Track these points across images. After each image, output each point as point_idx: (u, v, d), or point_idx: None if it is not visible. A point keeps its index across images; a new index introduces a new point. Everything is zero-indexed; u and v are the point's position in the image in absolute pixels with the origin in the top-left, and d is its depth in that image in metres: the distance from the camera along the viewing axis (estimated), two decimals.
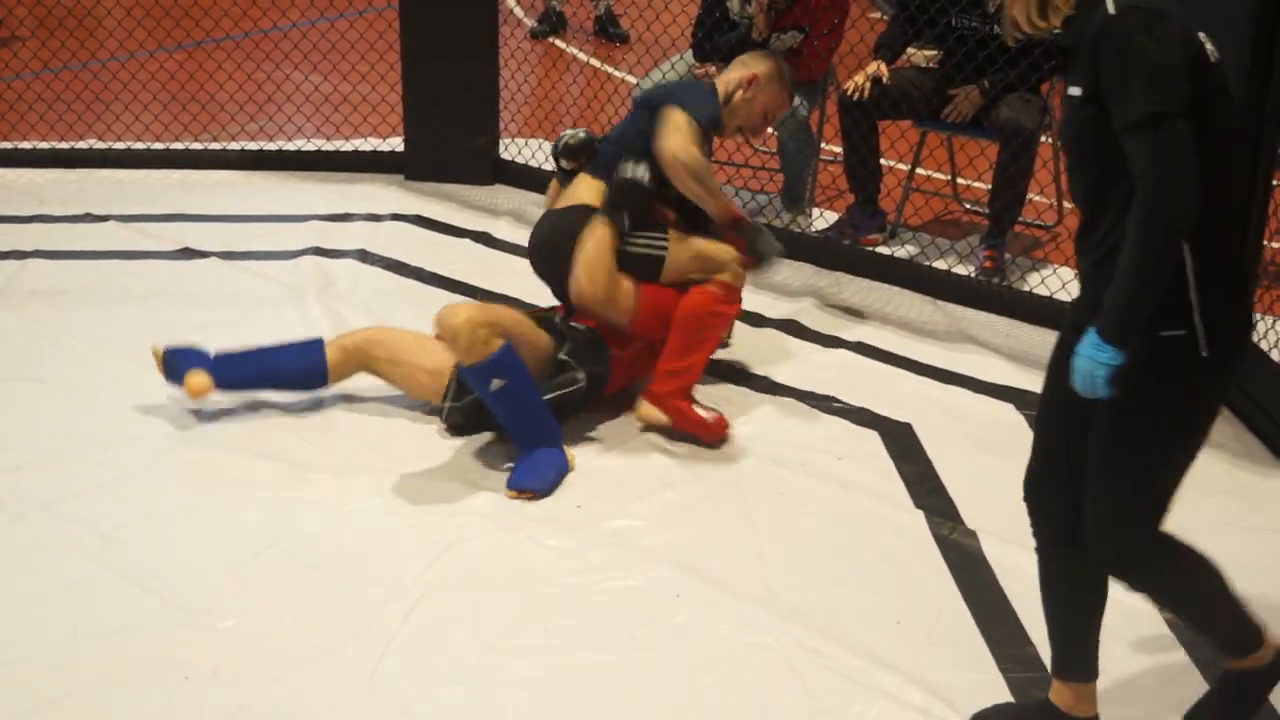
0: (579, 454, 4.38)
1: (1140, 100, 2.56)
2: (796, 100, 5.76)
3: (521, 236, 5.83)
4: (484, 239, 6.00)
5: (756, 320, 5.29)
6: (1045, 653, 3.25)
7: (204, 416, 4.56)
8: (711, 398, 4.68)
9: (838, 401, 4.75)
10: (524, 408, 4.26)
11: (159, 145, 6.80)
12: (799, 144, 5.93)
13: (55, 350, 4.97)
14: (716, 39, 6.00)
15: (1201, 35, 2.69)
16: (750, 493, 4.23)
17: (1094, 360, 2.68)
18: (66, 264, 5.64)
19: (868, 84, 5.69)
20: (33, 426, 4.49)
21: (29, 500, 4.09)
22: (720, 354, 4.98)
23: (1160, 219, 2.58)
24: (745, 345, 5.09)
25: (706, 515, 4.12)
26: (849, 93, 5.72)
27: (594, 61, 8.30)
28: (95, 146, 6.80)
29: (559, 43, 8.70)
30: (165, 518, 4.03)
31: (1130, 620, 3.53)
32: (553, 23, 8.88)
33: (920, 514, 4.12)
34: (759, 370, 4.93)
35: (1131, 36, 2.58)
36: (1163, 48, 2.58)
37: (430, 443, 4.45)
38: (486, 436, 4.46)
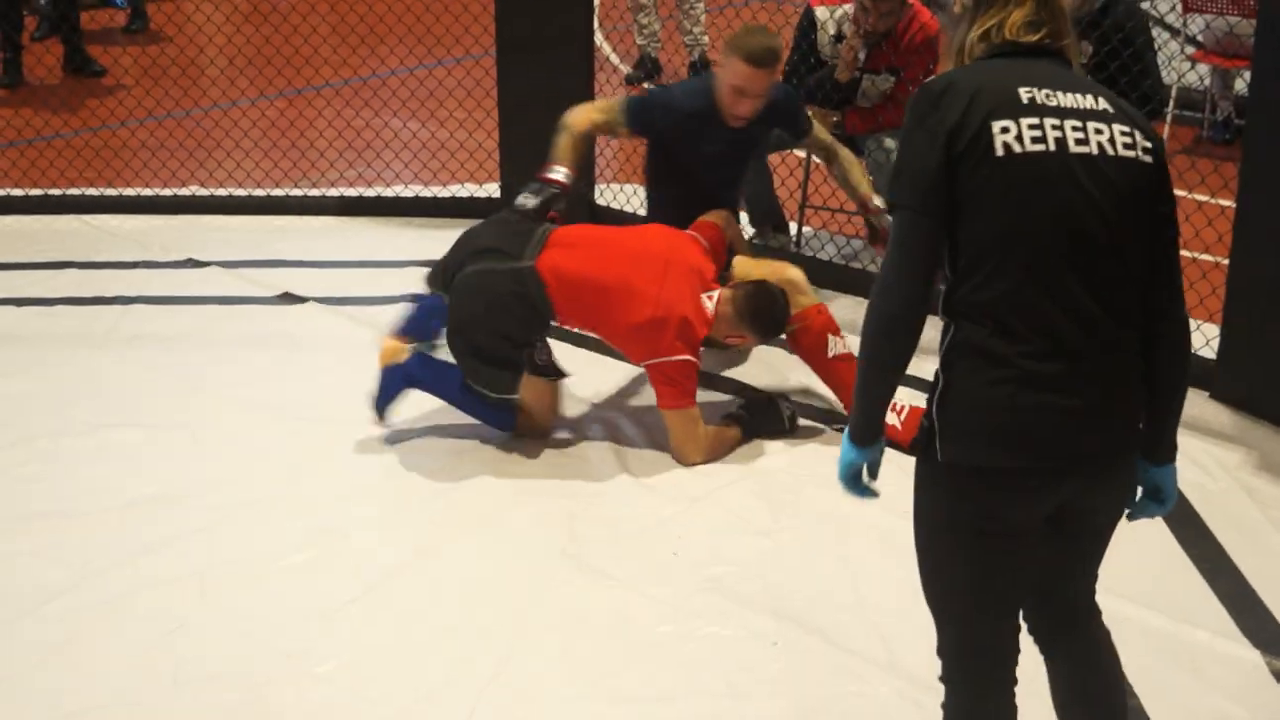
0: (673, 499, 4.37)
1: (890, 186, 2.56)
2: (894, 144, 5.73)
3: None
4: None
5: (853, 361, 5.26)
6: None
7: (303, 464, 4.59)
8: (807, 437, 4.66)
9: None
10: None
11: (260, 192, 6.89)
12: (884, 186, 5.89)
13: (158, 395, 5.03)
14: (806, 79, 5.98)
15: (1025, 123, 2.48)
16: (851, 538, 4.19)
17: (841, 460, 2.66)
18: (169, 309, 5.72)
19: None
20: (135, 470, 4.55)
21: (132, 544, 4.14)
22: (828, 395, 4.96)
23: (874, 311, 2.54)
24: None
25: (805, 561, 4.09)
26: None
27: None
28: (198, 193, 6.90)
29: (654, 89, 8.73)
30: (264, 563, 4.06)
31: None
32: (648, 69, 8.91)
33: None
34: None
35: (908, 121, 2.54)
36: (922, 140, 2.49)
37: (522, 492, 4.46)
38: (580, 492, 4.46)
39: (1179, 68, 7.51)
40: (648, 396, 4.81)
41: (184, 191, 6.89)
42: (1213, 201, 5.94)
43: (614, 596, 3.92)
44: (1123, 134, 2.53)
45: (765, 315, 4.70)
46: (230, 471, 4.55)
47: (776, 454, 4.67)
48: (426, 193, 6.88)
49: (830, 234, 6.24)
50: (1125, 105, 2.59)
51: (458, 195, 6.82)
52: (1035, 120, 2.49)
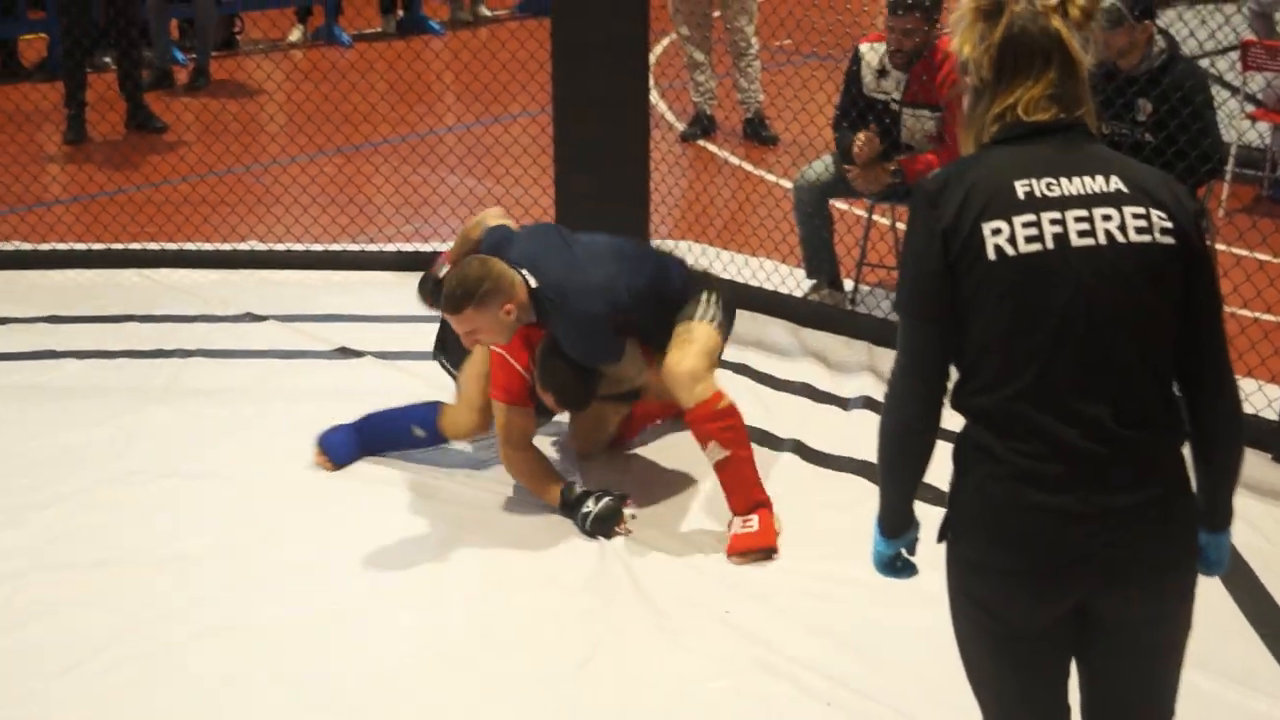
0: (719, 549, 4.36)
1: (898, 291, 2.53)
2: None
3: None
4: None
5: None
6: None
7: (359, 519, 4.61)
8: (858, 498, 4.64)
9: None
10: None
11: (317, 247, 6.94)
12: None
13: (216, 447, 5.07)
14: (847, 129, 6.00)
15: (1019, 222, 2.38)
16: (904, 601, 4.15)
17: (873, 550, 2.70)
18: (228, 362, 5.76)
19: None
20: (194, 522, 4.58)
21: (187, 594, 4.16)
22: (873, 456, 4.92)
23: (885, 416, 2.55)
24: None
25: (858, 619, 4.06)
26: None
27: (746, 165, 8.35)
28: (256, 248, 6.96)
29: (710, 146, 8.76)
30: (320, 618, 4.07)
31: None
32: (703, 125, 8.94)
33: None
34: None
35: (909, 221, 2.50)
36: (920, 243, 2.44)
37: (572, 548, 4.46)
38: (641, 557, 4.46)
39: (1238, 126, 7.48)
40: (683, 455, 4.80)
41: (243, 246, 6.96)
42: (1274, 260, 5.90)
43: (664, 651, 3.91)
44: (1136, 217, 2.40)
45: (557, 382, 4.54)
46: (285, 525, 4.57)
47: (835, 511, 4.64)
48: None
49: (887, 291, 6.23)
50: (1145, 179, 2.45)
51: None
52: (1031, 217, 2.39)
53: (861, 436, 5.07)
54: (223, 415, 5.31)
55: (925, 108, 5.88)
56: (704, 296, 4.75)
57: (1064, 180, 2.42)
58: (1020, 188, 2.41)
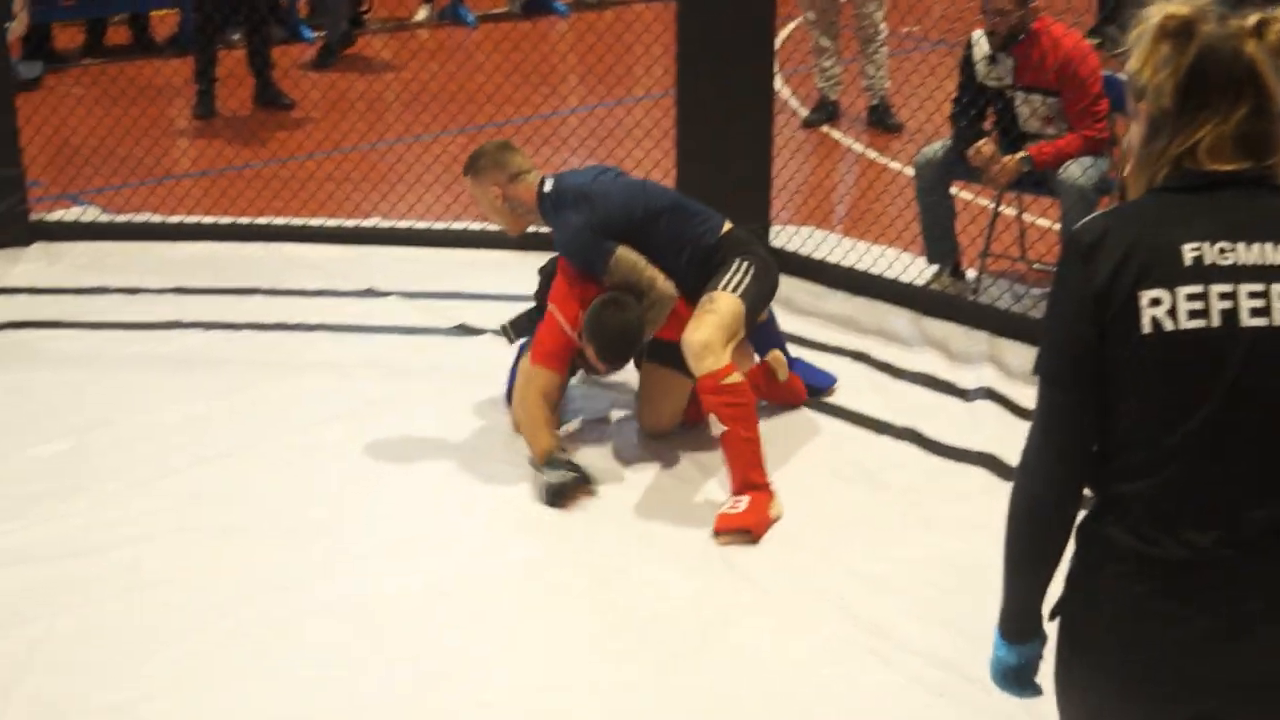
0: (834, 537, 4.33)
1: (1038, 354, 2.25)
2: (1079, 171, 5.65)
3: (791, 324, 5.84)
4: None
5: (1024, 413, 5.17)
6: None
7: (474, 500, 4.64)
8: (978, 490, 4.60)
9: None
10: None
11: (439, 225, 6.98)
12: (1081, 216, 5.77)
13: (333, 421, 5.12)
14: (962, 118, 5.98)
15: (1183, 293, 2.10)
16: None
17: (992, 655, 2.38)
18: (349, 336, 5.82)
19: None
20: (312, 494, 4.63)
21: (306, 566, 4.22)
22: (993, 448, 4.88)
23: (1016, 492, 2.28)
24: (1020, 444, 4.96)
25: (968, 609, 4.02)
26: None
27: (870, 152, 8.28)
28: (380, 225, 7.01)
29: (833, 132, 8.70)
30: (424, 591, 4.11)
31: None
32: (827, 111, 8.88)
33: None
34: (1012, 460, 4.79)
35: (1056, 275, 2.21)
36: (1067, 304, 2.17)
37: (678, 535, 4.46)
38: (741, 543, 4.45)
39: None
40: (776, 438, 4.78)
41: (366, 223, 7.01)
42: None
43: (768, 642, 3.90)
44: None
45: (600, 331, 4.61)
46: (398, 502, 4.62)
47: (953, 502, 4.60)
48: None
49: (1010, 282, 6.15)
50: None
51: None
52: (1198, 289, 2.10)
53: (981, 427, 5.03)
54: (342, 388, 5.36)
55: (1038, 91, 5.83)
56: (736, 263, 4.73)
57: (1242, 246, 2.12)
58: (1189, 251, 2.12)
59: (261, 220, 7.04)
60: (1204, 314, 2.11)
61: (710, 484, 4.70)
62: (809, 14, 8.59)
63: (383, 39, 10.84)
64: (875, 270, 6.21)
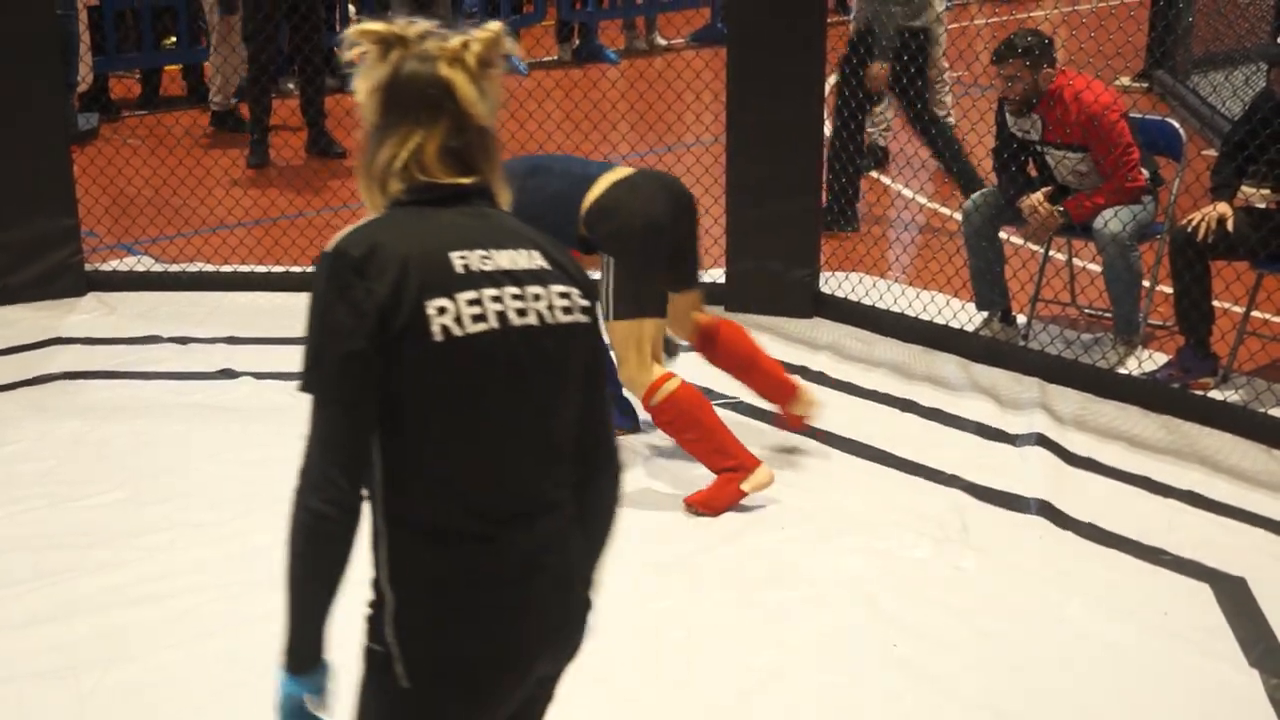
0: (881, 585, 4.32)
1: (304, 370, 2.20)
2: (1116, 222, 5.65)
3: (843, 370, 5.85)
4: (801, 372, 5.99)
5: (1087, 464, 5.16)
6: None
7: None
8: (1031, 537, 4.58)
9: (1165, 553, 4.57)
10: None
11: None
12: (1123, 266, 5.76)
13: None
14: (1003, 173, 6.01)
15: (463, 299, 2.19)
16: (1070, 641, 4.09)
17: (279, 694, 2.29)
18: None
19: (1211, 226, 5.52)
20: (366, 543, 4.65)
21: (356, 619, 4.23)
22: (1044, 494, 4.85)
23: (295, 514, 2.18)
24: (1072, 491, 4.95)
25: (1023, 659, 3.99)
26: (1189, 230, 5.55)
27: (919, 198, 8.28)
28: None
29: (883, 178, 8.70)
30: None
31: None
32: (876, 157, 8.88)
33: (1255, 674, 3.92)
34: (1083, 517, 4.78)
35: (323, 288, 2.18)
36: (346, 316, 2.15)
37: (723, 544, 4.46)
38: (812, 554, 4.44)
39: None
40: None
41: None
42: None
43: (826, 684, 3.89)
44: (560, 295, 2.28)
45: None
46: None
47: (1005, 550, 4.57)
48: None
49: (1061, 327, 6.13)
50: (560, 256, 2.34)
51: None
52: (474, 295, 2.20)
53: (1033, 474, 5.01)
54: None
55: (1065, 148, 5.85)
56: (605, 262, 4.74)
57: (496, 253, 2.26)
58: (458, 260, 2.22)
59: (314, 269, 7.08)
60: (484, 318, 2.21)
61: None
62: None
63: None
64: (925, 316, 6.21)
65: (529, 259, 2.28)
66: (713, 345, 5.22)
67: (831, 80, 8.03)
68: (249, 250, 7.29)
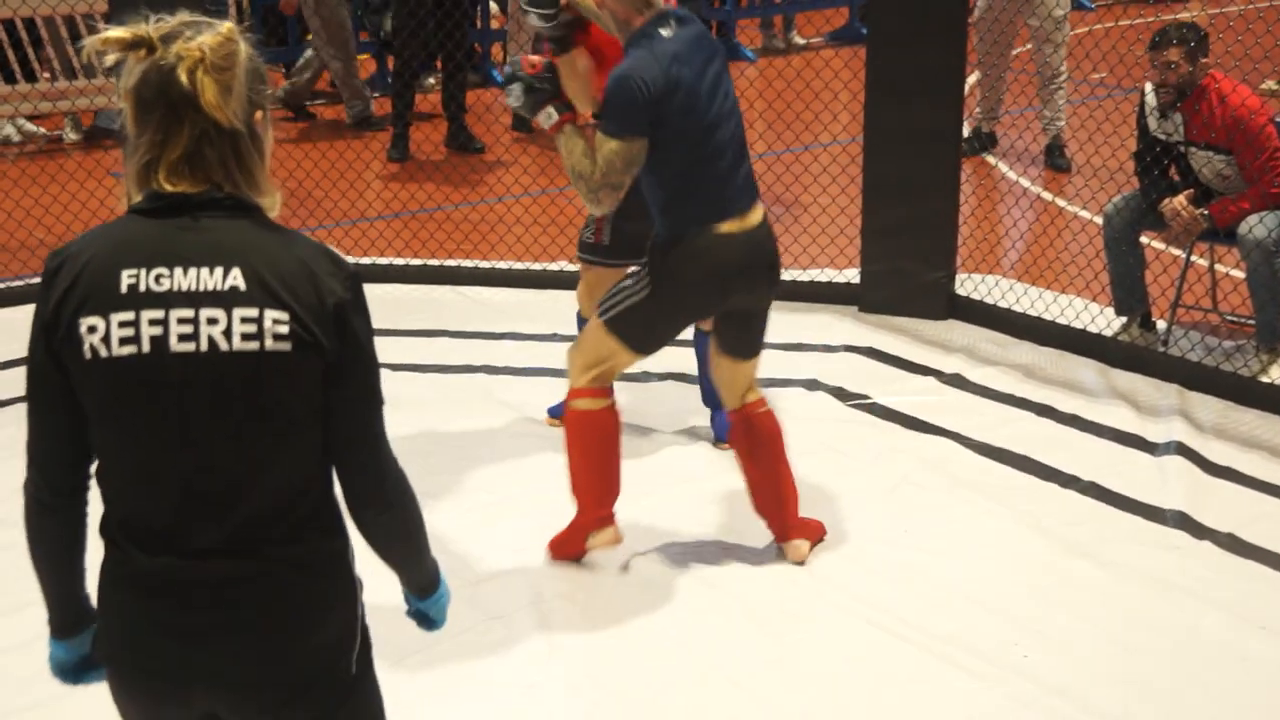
0: (1014, 595, 4.27)
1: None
2: (1261, 227, 5.54)
3: (978, 374, 5.80)
4: (936, 374, 5.94)
5: (1226, 473, 5.06)
6: None
7: (649, 517, 4.66)
8: (1168, 547, 4.51)
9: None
10: None
11: None
12: (1267, 272, 5.64)
13: (519, 462, 5.20)
14: (1145, 175, 5.91)
15: (116, 320, 2.15)
16: (1207, 655, 4.02)
17: (50, 658, 2.42)
18: (534, 380, 5.89)
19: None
20: (496, 539, 4.69)
21: (502, 605, 4.28)
22: (1182, 504, 4.77)
23: (25, 494, 2.31)
24: (1211, 501, 4.85)
25: (1157, 671, 3.94)
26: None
27: (1059, 201, 8.18)
28: (566, 269, 7.10)
29: (1001, 164, 8.63)
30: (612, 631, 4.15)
31: None
32: (981, 141, 8.88)
33: None
34: (1222, 528, 4.69)
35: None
36: (33, 329, 2.21)
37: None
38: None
39: None
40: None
41: (553, 266, 7.10)
42: None
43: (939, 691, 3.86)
44: (245, 320, 2.14)
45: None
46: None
47: (1137, 558, 4.51)
48: (786, 277, 6.90)
49: (1202, 333, 6.02)
50: (281, 277, 2.17)
51: (816, 280, 6.83)
52: (130, 316, 2.13)
53: (1170, 483, 4.92)
54: (528, 430, 5.43)
55: (1209, 149, 5.74)
56: (634, 280, 4.27)
57: (179, 271, 2.15)
58: (126, 279, 2.15)
59: (451, 263, 7.18)
60: (135, 340, 2.13)
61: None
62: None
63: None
64: (1061, 320, 6.13)
65: (221, 279, 2.15)
66: (748, 431, 4.47)
67: (971, 79, 7.99)
68: (388, 243, 7.39)
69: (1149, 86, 5.87)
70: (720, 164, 4.13)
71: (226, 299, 2.14)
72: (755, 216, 4.22)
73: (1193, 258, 6.09)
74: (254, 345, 2.14)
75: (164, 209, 2.18)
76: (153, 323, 2.13)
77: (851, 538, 4.66)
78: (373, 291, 6.43)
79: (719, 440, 5.25)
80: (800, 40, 12.69)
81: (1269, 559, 4.50)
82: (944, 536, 4.67)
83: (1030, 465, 5.12)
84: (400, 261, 7.22)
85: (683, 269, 4.15)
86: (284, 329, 2.15)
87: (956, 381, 5.85)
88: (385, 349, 6.16)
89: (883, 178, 6.45)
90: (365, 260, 7.19)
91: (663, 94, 3.98)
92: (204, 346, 2.13)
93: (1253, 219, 5.63)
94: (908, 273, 6.51)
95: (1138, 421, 5.44)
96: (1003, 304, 6.34)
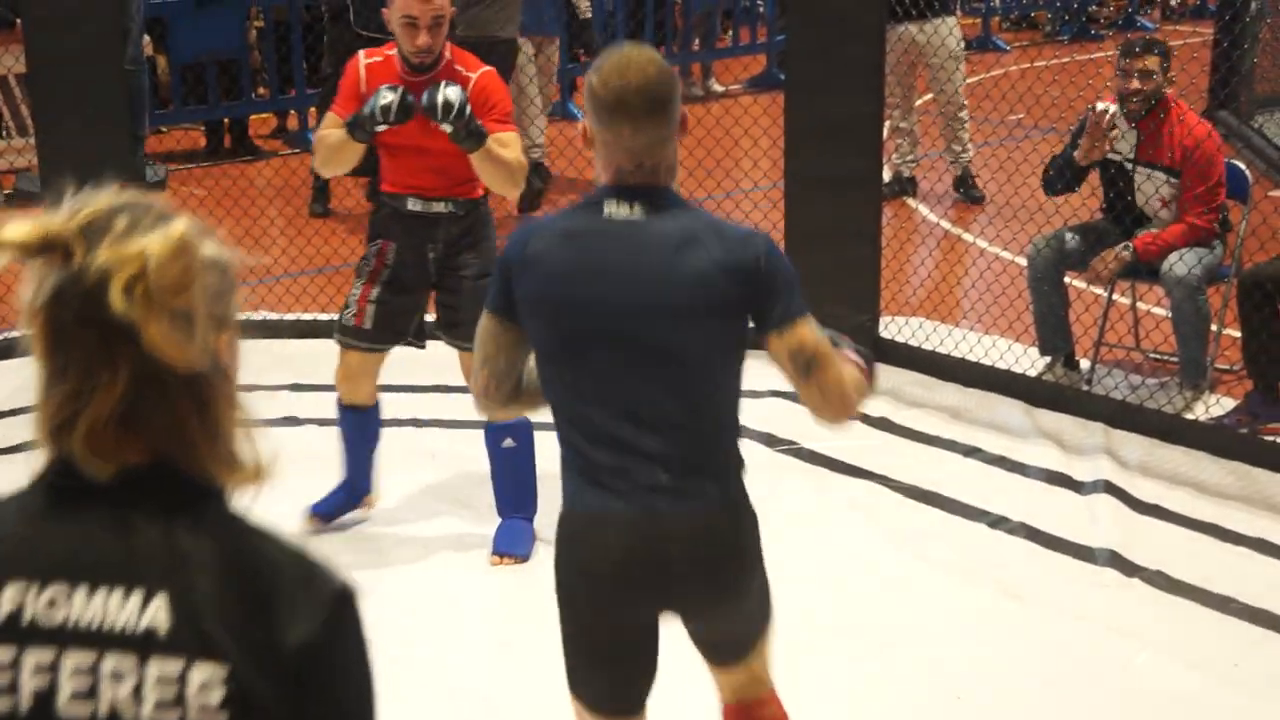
0: (946, 635, 4.28)
1: None
2: (1183, 265, 5.60)
3: (904, 416, 5.81)
4: (862, 418, 5.95)
5: (1154, 511, 5.09)
6: None
7: None
8: (1097, 585, 4.53)
9: (1235, 602, 4.51)
10: (522, 475, 4.74)
11: None
12: (1191, 309, 5.69)
13: (468, 509, 5.14)
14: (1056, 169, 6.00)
15: None
16: (1138, 692, 4.04)
17: None
18: (467, 432, 5.84)
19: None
20: (427, 590, 4.64)
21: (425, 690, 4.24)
22: (1111, 542, 4.80)
23: None
24: (1139, 538, 4.89)
25: (1089, 709, 3.95)
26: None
27: (979, 241, 8.25)
28: None
29: (921, 207, 8.75)
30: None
31: None
32: (902, 185, 9.03)
33: None
34: (1150, 565, 4.71)
35: None
36: None
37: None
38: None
39: None
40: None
41: None
42: None
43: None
44: (163, 681, 1.46)
45: None
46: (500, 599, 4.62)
47: (1072, 599, 4.52)
48: None
49: (1125, 372, 6.08)
50: (234, 598, 1.51)
51: None
52: (10, 654, 1.48)
53: (1099, 522, 4.96)
54: (458, 484, 5.39)
55: (1160, 169, 5.80)
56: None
57: (81, 594, 1.48)
58: (9, 599, 1.48)
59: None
60: (12, 690, 1.48)
61: None
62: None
63: None
64: (986, 361, 6.17)
65: (136, 612, 1.48)
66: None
67: (889, 126, 8.07)
68: (312, 298, 7.33)
69: (1102, 105, 5.85)
70: (596, 418, 2.78)
71: (139, 644, 1.47)
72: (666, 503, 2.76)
73: (1115, 296, 6.15)
74: (170, 714, 1.46)
75: (77, 492, 1.51)
76: (40, 668, 1.47)
77: (779, 584, 4.64)
78: (296, 347, 6.38)
79: (495, 552, 4.84)
80: (719, 87, 12.76)
81: (1199, 596, 4.54)
82: (873, 580, 4.67)
83: (958, 507, 5.14)
84: (325, 316, 7.12)
85: (556, 567, 2.86)
86: (215, 696, 1.47)
87: (883, 424, 5.87)
88: (312, 404, 6.13)
89: (805, 222, 6.47)
90: (290, 316, 7.12)
91: (518, 271, 2.80)
92: (102, 713, 1.46)
93: (1174, 256, 5.69)
94: (832, 317, 6.48)
95: (1065, 461, 5.48)
96: (927, 346, 6.38)
